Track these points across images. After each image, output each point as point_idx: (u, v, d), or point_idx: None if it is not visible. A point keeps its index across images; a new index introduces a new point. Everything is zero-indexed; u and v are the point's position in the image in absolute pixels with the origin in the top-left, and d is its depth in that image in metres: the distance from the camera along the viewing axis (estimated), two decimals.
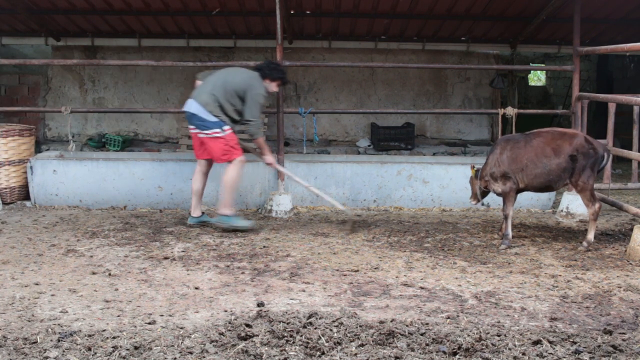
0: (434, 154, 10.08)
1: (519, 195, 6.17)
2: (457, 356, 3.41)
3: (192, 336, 3.61)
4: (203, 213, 6.65)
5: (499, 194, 6.05)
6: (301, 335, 3.56)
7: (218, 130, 6.25)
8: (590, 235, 5.85)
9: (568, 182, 5.83)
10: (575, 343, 3.58)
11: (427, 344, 3.52)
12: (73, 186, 7.40)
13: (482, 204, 6.53)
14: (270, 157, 6.70)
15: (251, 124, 6.36)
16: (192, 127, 6.38)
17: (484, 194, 6.24)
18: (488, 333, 3.67)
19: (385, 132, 10.42)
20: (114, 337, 3.59)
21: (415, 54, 10.58)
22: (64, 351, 3.40)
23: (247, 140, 7.00)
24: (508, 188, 5.88)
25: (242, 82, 6.32)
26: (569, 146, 5.72)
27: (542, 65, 15.27)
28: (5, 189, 7.45)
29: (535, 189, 6.03)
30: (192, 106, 6.31)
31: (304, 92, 10.83)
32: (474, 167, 6.25)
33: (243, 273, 5.00)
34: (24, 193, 7.57)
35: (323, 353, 3.40)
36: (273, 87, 6.60)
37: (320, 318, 3.81)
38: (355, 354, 3.38)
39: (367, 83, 10.83)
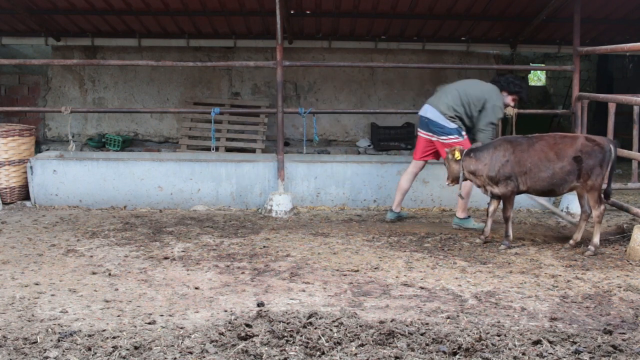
0: None
1: (519, 195, 6.13)
2: (457, 356, 3.41)
3: (192, 336, 3.61)
4: (402, 209, 7.00)
5: (497, 197, 5.97)
6: (301, 335, 3.56)
7: (457, 136, 6.49)
8: (596, 239, 5.71)
9: (575, 185, 5.75)
10: (575, 343, 3.58)
11: (427, 344, 3.52)
12: (73, 186, 7.40)
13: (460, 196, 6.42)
14: None
15: (483, 132, 6.48)
16: (424, 131, 6.68)
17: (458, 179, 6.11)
18: (488, 333, 3.67)
19: (385, 132, 10.42)
20: (114, 337, 3.59)
21: (415, 54, 10.58)
22: (64, 351, 3.40)
23: None
24: (510, 191, 5.83)
25: (481, 94, 6.50)
26: (571, 148, 5.66)
27: (542, 65, 15.27)
28: (5, 189, 7.45)
29: (538, 193, 5.98)
30: (428, 112, 6.60)
31: (304, 92, 10.83)
32: (455, 149, 6.04)
33: (243, 273, 5.00)
34: (24, 193, 7.57)
35: (323, 353, 3.39)
36: (509, 100, 6.65)
37: (320, 318, 3.81)
38: (355, 354, 3.38)
39: (367, 83, 10.83)
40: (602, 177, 5.69)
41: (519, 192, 5.94)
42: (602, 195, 5.97)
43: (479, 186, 6.07)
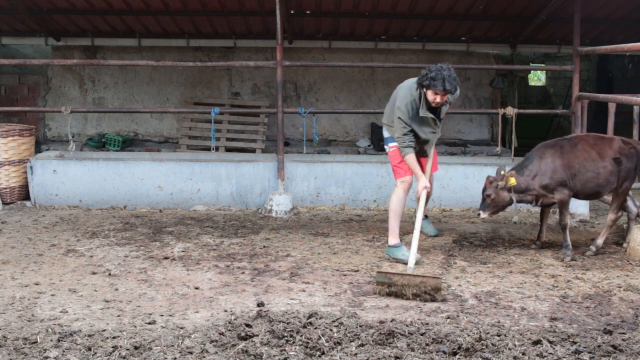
0: None
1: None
2: (457, 356, 3.41)
3: (192, 336, 3.61)
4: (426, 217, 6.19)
5: (547, 205, 5.72)
6: (301, 335, 3.56)
7: (386, 146, 5.71)
8: (600, 241, 5.70)
9: (613, 187, 5.60)
10: (575, 343, 3.59)
11: (427, 344, 3.52)
12: (73, 186, 7.40)
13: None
14: (420, 183, 5.43)
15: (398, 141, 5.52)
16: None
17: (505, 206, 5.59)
18: (488, 333, 3.67)
19: None
20: (114, 337, 3.59)
21: (415, 54, 10.57)
22: (64, 351, 3.40)
23: None
24: (567, 196, 5.57)
25: (396, 93, 5.62)
26: (610, 149, 5.57)
27: (542, 65, 15.26)
28: (5, 189, 7.45)
29: (585, 196, 5.78)
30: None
31: (304, 92, 10.82)
32: (509, 176, 5.43)
33: (243, 273, 5.00)
34: (24, 193, 7.57)
35: (323, 353, 3.40)
36: (429, 95, 5.31)
37: (320, 318, 3.81)
38: (355, 354, 3.38)
39: (367, 83, 10.83)
40: (633, 181, 5.64)
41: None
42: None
43: (529, 202, 5.64)
